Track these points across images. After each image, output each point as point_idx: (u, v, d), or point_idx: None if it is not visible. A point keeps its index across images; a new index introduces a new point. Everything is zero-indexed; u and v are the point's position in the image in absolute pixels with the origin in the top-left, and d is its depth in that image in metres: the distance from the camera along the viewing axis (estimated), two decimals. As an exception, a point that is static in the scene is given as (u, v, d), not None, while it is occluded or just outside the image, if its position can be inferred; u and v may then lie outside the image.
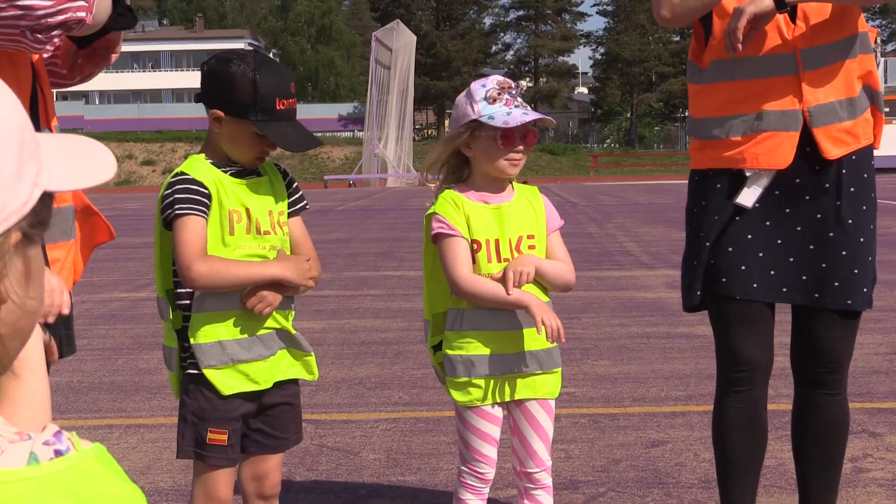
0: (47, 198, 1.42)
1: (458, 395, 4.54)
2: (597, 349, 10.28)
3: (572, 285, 4.74)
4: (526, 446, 4.63)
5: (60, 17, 3.15)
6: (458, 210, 4.47)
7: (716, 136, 4.60)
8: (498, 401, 4.58)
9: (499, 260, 4.50)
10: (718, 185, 4.64)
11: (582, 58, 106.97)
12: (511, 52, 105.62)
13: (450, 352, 4.53)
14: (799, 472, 4.87)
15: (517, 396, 4.59)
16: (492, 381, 4.54)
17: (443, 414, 7.39)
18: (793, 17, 4.47)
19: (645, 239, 21.11)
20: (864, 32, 4.64)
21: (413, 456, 6.95)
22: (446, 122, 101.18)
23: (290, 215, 4.49)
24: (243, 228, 4.26)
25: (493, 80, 4.61)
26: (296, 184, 4.62)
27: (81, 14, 3.16)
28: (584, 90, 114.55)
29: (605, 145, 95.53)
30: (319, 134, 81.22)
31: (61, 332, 3.32)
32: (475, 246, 4.49)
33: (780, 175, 4.54)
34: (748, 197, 4.53)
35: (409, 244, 20.58)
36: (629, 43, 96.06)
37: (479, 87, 4.54)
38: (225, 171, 4.29)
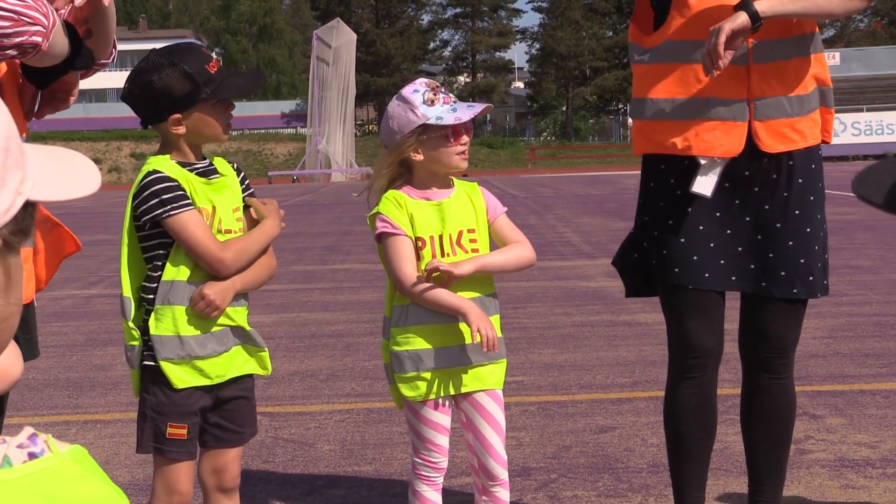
0: (30, 207, 1.41)
1: (407, 391, 4.53)
2: (542, 338, 10.31)
3: (533, 259, 4.78)
4: (482, 441, 4.62)
5: (17, 40, 3.13)
6: (401, 209, 4.48)
7: (661, 116, 4.59)
8: (445, 394, 4.57)
9: (442, 255, 4.51)
10: (665, 172, 4.65)
11: (518, 53, 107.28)
12: (449, 49, 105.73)
13: (396, 348, 4.52)
14: (748, 455, 4.88)
15: (464, 389, 4.59)
16: (439, 375, 4.54)
17: (395, 404, 7.40)
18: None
19: (585, 229, 21.20)
20: (817, 32, 4.65)
21: (367, 446, 6.94)
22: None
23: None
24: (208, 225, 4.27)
25: (422, 84, 4.63)
26: (248, 180, 4.64)
27: (37, 39, 3.15)
28: (521, 85, 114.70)
29: (541, 138, 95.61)
30: (262, 131, 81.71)
31: (21, 337, 3.27)
32: (419, 243, 4.51)
33: (731, 167, 4.55)
34: (705, 185, 4.51)
35: (354, 238, 20.57)
36: (564, 38, 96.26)
37: (413, 94, 4.55)
38: (190, 171, 4.29)
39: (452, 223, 4.54)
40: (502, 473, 4.65)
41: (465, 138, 4.55)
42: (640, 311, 11.02)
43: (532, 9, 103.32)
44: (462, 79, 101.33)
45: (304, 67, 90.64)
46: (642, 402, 7.65)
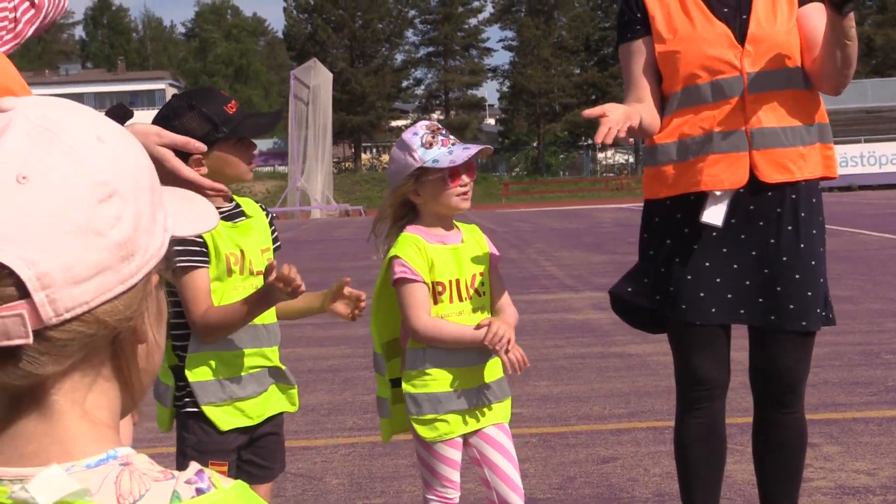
0: (171, 242, 1.44)
1: (425, 432, 4.52)
2: (537, 370, 10.26)
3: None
4: (499, 473, 4.64)
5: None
6: (421, 254, 4.48)
7: (670, 159, 4.62)
8: (461, 433, 4.59)
9: (459, 300, 4.54)
10: (671, 210, 4.68)
11: (490, 91, 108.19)
12: (422, 87, 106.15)
13: (413, 390, 4.51)
14: (761, 486, 4.89)
15: (478, 426, 4.62)
16: (457, 416, 4.56)
17: (398, 438, 7.39)
18: (741, 41, 4.51)
19: (565, 263, 21.20)
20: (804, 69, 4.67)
21: (375, 479, 6.94)
22: (363, 154, 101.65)
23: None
24: (238, 270, 4.28)
25: (423, 127, 4.65)
26: (273, 222, 4.63)
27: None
28: (493, 121, 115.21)
29: (514, 173, 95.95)
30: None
31: None
32: (439, 288, 4.52)
33: (735, 202, 4.57)
34: (715, 216, 4.54)
35: (340, 273, 20.30)
36: (534, 76, 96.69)
37: (412, 137, 4.57)
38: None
39: (467, 268, 4.57)
40: (519, 503, 4.68)
41: (465, 179, 4.55)
42: (629, 342, 11.04)
43: (503, 47, 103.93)
44: (435, 116, 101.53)
45: (281, 107, 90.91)
46: (641, 432, 7.63)
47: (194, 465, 1.37)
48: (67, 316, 1.29)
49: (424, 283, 4.47)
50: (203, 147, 3.07)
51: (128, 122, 3.07)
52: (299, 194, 56.26)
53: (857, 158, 52.69)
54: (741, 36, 4.54)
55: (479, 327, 4.43)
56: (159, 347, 1.47)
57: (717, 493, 4.83)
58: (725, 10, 4.57)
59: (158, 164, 2.95)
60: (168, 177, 3.01)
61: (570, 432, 7.92)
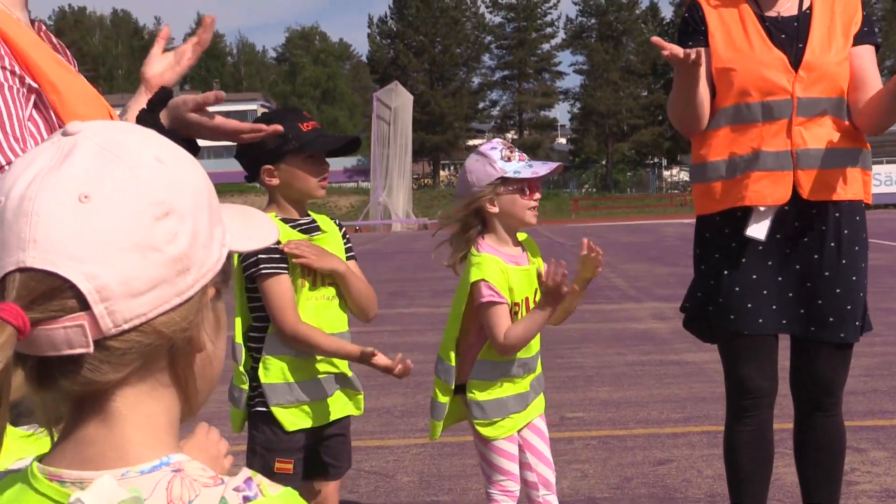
0: (230, 257, 1.46)
1: (490, 432, 4.56)
2: (598, 376, 10.28)
3: None
4: (540, 456, 4.72)
5: None
6: (503, 276, 4.47)
7: (719, 176, 4.61)
8: (518, 430, 4.63)
9: (527, 312, 4.56)
10: (720, 226, 4.67)
11: (561, 112, 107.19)
12: (497, 108, 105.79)
13: (482, 398, 4.54)
14: (803, 488, 4.87)
15: (528, 419, 4.68)
16: (516, 416, 4.60)
17: (465, 439, 7.38)
18: (796, 67, 4.50)
19: (630, 275, 21.08)
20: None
21: (443, 478, 6.95)
22: (441, 172, 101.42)
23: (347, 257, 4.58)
24: (310, 282, 4.31)
25: (498, 143, 4.67)
26: (347, 234, 4.66)
27: None
28: (563, 141, 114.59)
29: (583, 190, 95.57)
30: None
31: None
32: (515, 307, 4.52)
33: (781, 219, 4.55)
34: (759, 230, 4.53)
35: (417, 284, 20.58)
36: (603, 98, 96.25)
37: (491, 150, 4.57)
38: (293, 228, 4.33)
39: (533, 286, 4.59)
40: (553, 479, 4.75)
41: (537, 195, 4.59)
42: (687, 350, 11.01)
43: (574, 71, 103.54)
44: (510, 136, 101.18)
45: (364, 126, 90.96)
46: (695, 436, 7.60)
47: (244, 472, 1.38)
48: (126, 327, 1.31)
49: (507, 303, 4.48)
50: (221, 95, 3.03)
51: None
52: (381, 209, 56.36)
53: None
54: (796, 62, 4.51)
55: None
56: (218, 357, 1.48)
57: (765, 496, 4.80)
58: (783, 36, 4.56)
59: (188, 122, 2.96)
60: (193, 127, 3.00)
61: (629, 435, 7.89)
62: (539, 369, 4.74)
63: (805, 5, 4.64)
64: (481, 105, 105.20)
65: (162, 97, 2.93)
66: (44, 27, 3.15)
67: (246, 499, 1.34)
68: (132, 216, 1.31)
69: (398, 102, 56.50)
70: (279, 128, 3.37)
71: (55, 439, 1.40)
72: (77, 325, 1.29)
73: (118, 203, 1.31)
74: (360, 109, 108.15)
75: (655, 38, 4.29)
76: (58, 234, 1.28)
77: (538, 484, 4.73)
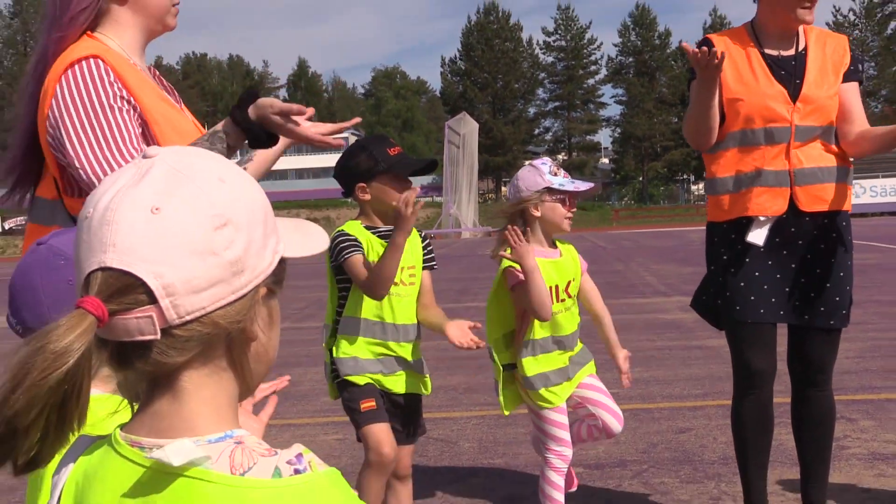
0: (283, 262, 1.45)
1: (542, 402, 4.60)
2: (634, 358, 10.18)
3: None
4: (600, 405, 4.77)
5: None
6: None
7: (727, 190, 4.60)
8: (566, 398, 4.66)
9: (558, 300, 4.59)
10: (727, 232, 4.65)
11: (604, 136, 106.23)
12: (550, 134, 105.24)
13: (529, 374, 4.58)
14: (799, 452, 4.85)
15: (574, 386, 4.73)
16: (560, 387, 4.61)
17: (518, 412, 7.40)
18: (794, 98, 4.49)
19: (660, 273, 20.94)
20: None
21: (499, 444, 6.95)
22: (503, 188, 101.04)
23: (424, 268, 4.60)
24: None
25: (548, 160, 4.72)
26: (431, 246, 4.69)
27: None
28: (606, 161, 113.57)
29: (623, 202, 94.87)
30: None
31: None
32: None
33: (779, 224, 4.54)
34: (758, 237, 4.53)
35: (480, 283, 20.48)
36: (640, 124, 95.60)
37: (542, 164, 4.64)
38: (374, 233, 4.39)
39: (563, 276, 4.61)
40: (619, 430, 4.84)
41: (574, 208, 4.63)
42: (708, 337, 10.91)
43: (614, 101, 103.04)
44: (560, 157, 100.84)
45: (438, 150, 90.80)
46: (712, 409, 7.56)
47: (296, 447, 1.38)
48: (188, 318, 1.32)
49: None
50: (305, 109, 3.00)
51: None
52: (452, 219, 56.30)
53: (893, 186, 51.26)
54: (794, 95, 4.49)
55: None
56: (271, 345, 1.48)
57: (766, 459, 4.78)
58: (783, 72, 4.54)
59: (271, 122, 2.91)
60: (276, 127, 2.94)
61: (656, 409, 7.86)
62: (579, 346, 4.76)
63: (801, 46, 4.62)
64: (536, 131, 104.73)
65: (249, 95, 2.92)
66: (157, 72, 3.21)
67: (296, 471, 1.34)
68: (195, 226, 1.33)
69: (466, 130, 56.40)
70: (357, 119, 3.32)
71: (135, 411, 1.42)
72: (147, 316, 1.31)
73: (183, 214, 1.32)
74: (435, 136, 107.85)
75: (685, 44, 4.26)
76: (133, 240, 1.31)
77: (600, 433, 4.82)
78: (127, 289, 1.31)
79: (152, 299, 1.31)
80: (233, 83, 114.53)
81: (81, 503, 1.39)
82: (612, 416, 4.74)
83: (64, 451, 1.40)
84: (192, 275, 1.32)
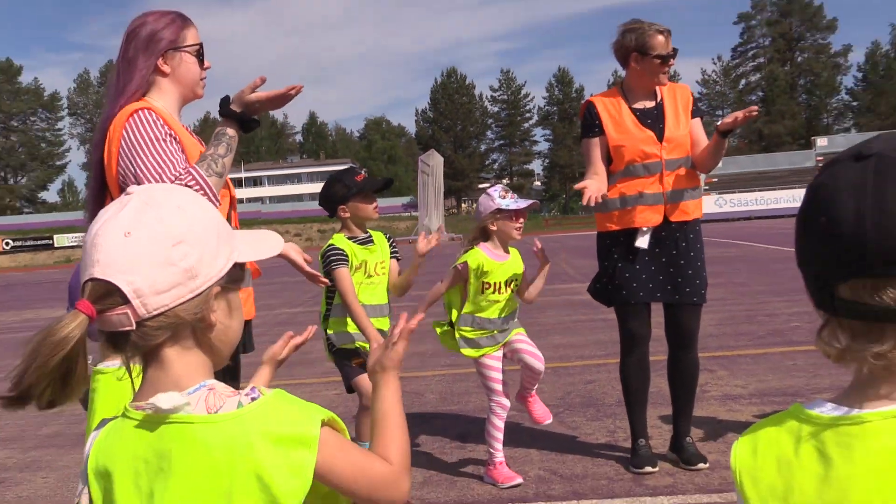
0: (239, 265, 1.44)
1: (472, 354, 4.60)
2: (555, 329, 10.21)
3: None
4: (523, 350, 4.68)
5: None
6: (477, 262, 4.55)
7: (616, 208, 4.61)
8: (494, 351, 4.64)
9: (499, 293, 4.60)
10: (616, 237, 4.67)
11: (536, 165, 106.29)
12: (496, 164, 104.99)
13: (468, 335, 4.59)
14: (673, 397, 4.87)
15: (502, 344, 4.66)
16: (488, 347, 4.63)
17: (470, 371, 7.41)
18: (661, 139, 4.52)
19: (576, 265, 20.94)
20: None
21: (455, 395, 6.95)
22: (463, 205, 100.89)
23: (391, 258, 4.59)
24: (362, 272, 4.37)
25: (499, 187, 4.71)
26: (395, 244, 4.68)
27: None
28: (538, 183, 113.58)
29: (551, 214, 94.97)
30: (391, 214, 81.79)
31: (245, 339, 3.30)
32: (487, 285, 4.56)
33: (655, 231, 4.57)
34: (644, 242, 4.57)
35: (442, 273, 20.45)
36: (563, 156, 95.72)
37: (493, 191, 4.64)
38: (353, 242, 4.39)
39: (507, 274, 4.60)
40: (541, 368, 4.72)
41: (522, 220, 4.62)
42: (610, 312, 10.85)
43: (544, 139, 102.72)
44: (504, 181, 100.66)
45: (413, 177, 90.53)
46: (612, 365, 7.57)
47: (251, 386, 1.40)
48: (155, 313, 1.34)
49: (466, 275, 4.56)
50: (262, 77, 3.02)
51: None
52: (425, 227, 56.20)
53: (752, 201, 51.55)
54: (660, 137, 4.53)
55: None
56: (233, 328, 1.46)
57: (645, 400, 4.81)
58: (649, 121, 4.58)
59: (250, 101, 2.91)
60: (253, 104, 2.95)
61: (571, 366, 7.86)
62: (517, 330, 4.72)
63: (659, 99, 4.66)
64: (486, 162, 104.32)
65: (225, 99, 2.95)
66: (189, 127, 3.23)
67: (252, 399, 1.35)
68: (156, 244, 1.34)
69: (434, 162, 56.29)
70: (300, 86, 3.00)
71: (135, 385, 1.43)
72: (123, 313, 1.33)
73: (147, 237, 1.34)
74: (411, 167, 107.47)
75: (577, 185, 4.36)
76: (111, 257, 1.33)
77: (527, 378, 4.76)
78: (108, 293, 1.33)
79: (126, 300, 1.32)
80: (261, 130, 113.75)
81: (105, 451, 1.41)
82: (533, 358, 4.70)
83: (101, 418, 1.45)
84: (155, 281, 1.33)
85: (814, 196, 1.14)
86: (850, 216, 1.07)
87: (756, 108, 4.26)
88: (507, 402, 4.65)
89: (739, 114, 4.26)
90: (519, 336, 4.74)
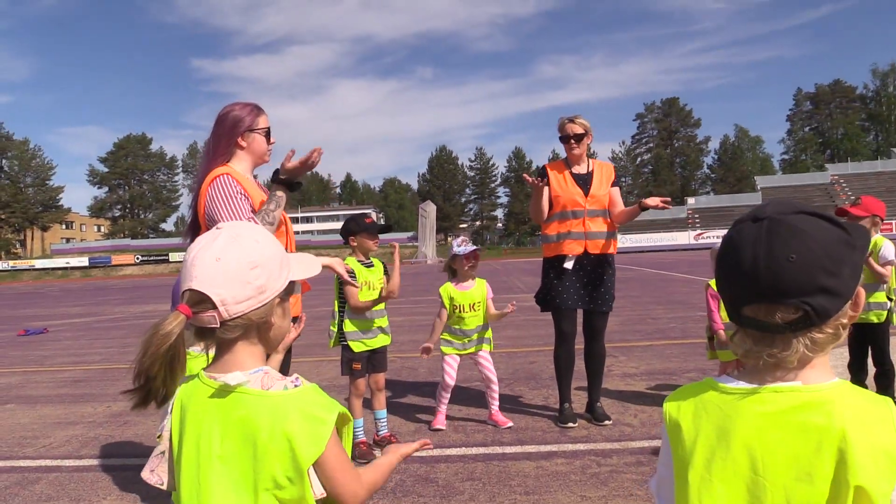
0: (293, 282, 1.40)
1: (446, 350, 4.51)
2: (506, 327, 10.04)
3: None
4: (484, 368, 4.60)
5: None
6: (447, 293, 4.49)
7: (552, 240, 4.57)
8: (456, 353, 4.53)
9: (465, 312, 4.49)
10: (553, 262, 4.62)
11: (500, 213, 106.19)
12: (472, 212, 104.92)
13: (446, 338, 4.49)
14: (588, 375, 4.80)
15: (470, 351, 4.55)
16: (455, 350, 4.53)
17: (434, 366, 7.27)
18: (587, 195, 4.48)
19: (525, 281, 20.72)
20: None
21: (440, 371, 6.77)
22: (449, 239, 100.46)
23: (383, 274, 4.45)
24: (367, 287, 4.25)
25: (459, 238, 4.65)
26: (386, 267, 4.51)
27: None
28: (501, 225, 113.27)
29: (509, 245, 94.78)
30: (398, 244, 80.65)
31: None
32: (456, 309, 4.48)
33: (579, 259, 4.53)
34: (569, 264, 4.51)
35: (435, 289, 20.34)
36: (518, 206, 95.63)
37: (454, 241, 4.60)
38: (361, 264, 4.29)
39: (472, 300, 4.50)
40: (494, 379, 4.63)
41: (473, 261, 4.52)
42: (547, 315, 10.68)
43: (505, 195, 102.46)
44: (478, 223, 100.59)
45: (414, 219, 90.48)
46: (548, 352, 7.44)
47: (297, 375, 1.34)
48: (234, 316, 1.31)
49: (445, 307, 4.48)
50: (319, 150, 2.81)
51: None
52: (422, 254, 56.04)
53: (644, 240, 51.61)
54: (587, 194, 4.50)
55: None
56: (283, 328, 1.40)
57: (570, 376, 4.73)
58: (580, 182, 4.55)
59: (290, 169, 2.78)
60: (293, 171, 2.80)
61: (519, 351, 7.76)
62: (483, 334, 4.57)
63: (590, 168, 4.64)
64: (466, 210, 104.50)
65: (277, 171, 2.85)
66: (259, 180, 3.19)
67: (295, 385, 1.31)
68: (239, 268, 1.30)
69: (430, 209, 56.25)
70: (320, 148, 2.79)
71: (210, 360, 1.39)
72: (212, 315, 1.29)
73: (233, 262, 1.30)
74: (414, 213, 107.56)
75: (525, 175, 4.30)
76: (205, 275, 1.29)
77: (486, 383, 4.64)
78: (202, 301, 1.30)
79: (214, 307, 1.29)
80: (311, 185, 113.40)
81: (184, 408, 1.37)
82: (488, 371, 4.64)
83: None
84: (236, 294, 1.30)
85: (726, 245, 1.15)
86: (749, 261, 1.08)
87: (669, 199, 4.21)
88: (451, 383, 4.58)
89: (659, 201, 4.20)
90: (484, 354, 4.65)
